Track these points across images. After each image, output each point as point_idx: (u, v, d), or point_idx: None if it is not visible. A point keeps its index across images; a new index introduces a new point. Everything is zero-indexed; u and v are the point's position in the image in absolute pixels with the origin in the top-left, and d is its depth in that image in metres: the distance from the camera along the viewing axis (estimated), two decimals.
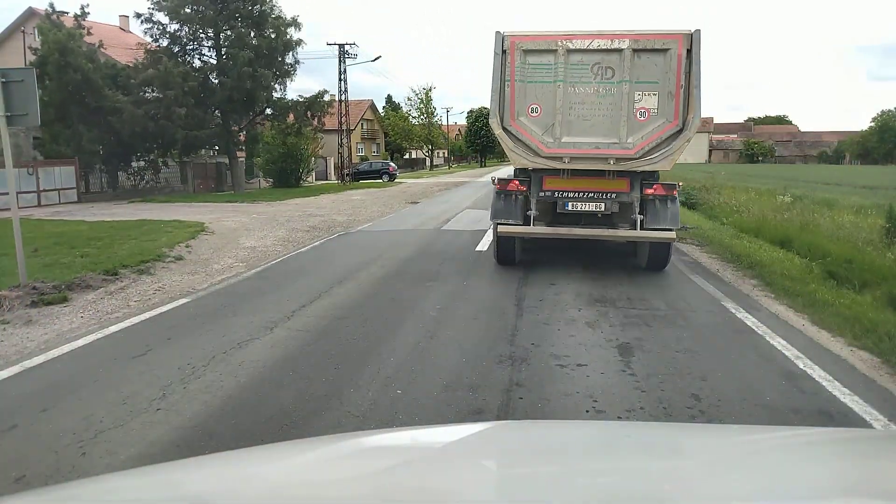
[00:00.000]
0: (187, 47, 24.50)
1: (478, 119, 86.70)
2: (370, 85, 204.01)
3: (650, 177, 8.02)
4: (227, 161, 30.42)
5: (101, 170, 24.90)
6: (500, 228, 8.37)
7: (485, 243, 10.71)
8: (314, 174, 39.61)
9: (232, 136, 25.05)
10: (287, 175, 30.93)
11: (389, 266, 8.73)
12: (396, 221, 15.04)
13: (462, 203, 20.47)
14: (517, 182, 8.14)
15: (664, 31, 7.58)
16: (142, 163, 25.44)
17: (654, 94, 7.54)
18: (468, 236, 11.79)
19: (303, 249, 10.41)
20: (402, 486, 1.13)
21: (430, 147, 73.54)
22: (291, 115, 26.06)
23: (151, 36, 24.06)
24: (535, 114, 7.75)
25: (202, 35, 24.33)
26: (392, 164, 45.96)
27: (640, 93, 7.55)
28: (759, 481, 1.12)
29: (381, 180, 39.54)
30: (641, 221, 7.82)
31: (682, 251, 10.21)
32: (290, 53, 25.25)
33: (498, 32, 7.73)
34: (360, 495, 1.09)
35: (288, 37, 24.79)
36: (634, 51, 7.47)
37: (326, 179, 42.29)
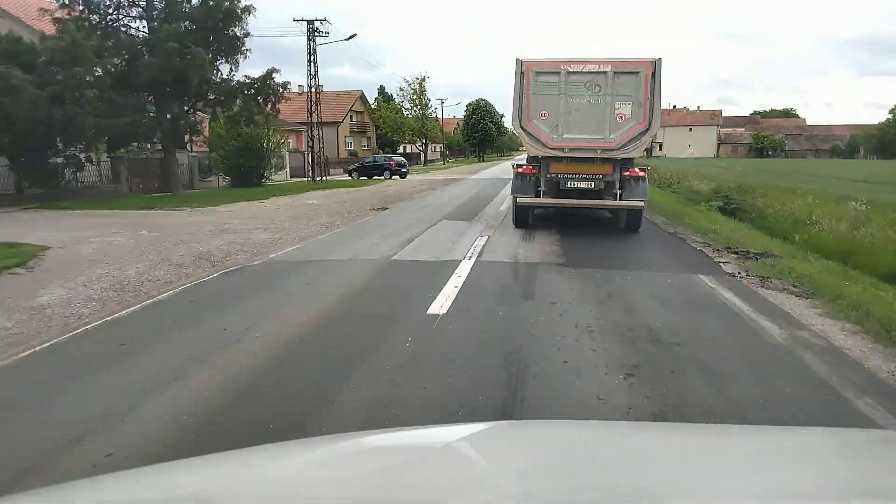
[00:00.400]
0: (108, 18, 19.92)
1: (475, 112, 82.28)
2: (367, 81, 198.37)
3: (627, 162, 10.87)
4: (176, 157, 26.08)
5: (8, 167, 20.43)
6: (519, 200, 11.28)
7: (445, 301, 6.21)
8: (288, 171, 34.99)
9: (163, 125, 20.27)
10: (246, 172, 26.49)
11: (245, 368, 4.34)
12: (337, 242, 10.65)
13: (441, 209, 16.10)
14: (531, 167, 11.17)
15: (636, 59, 10.33)
16: (60, 159, 20.95)
17: (629, 104, 10.30)
18: (427, 275, 7.43)
19: (121, 313, 5.97)
20: (402, 486, 1.10)
21: (423, 141, 68.81)
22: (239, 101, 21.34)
23: (60, 2, 19.45)
24: (544, 117, 10.61)
25: (126, 2, 19.78)
26: (396, 159, 40.07)
27: (619, 102, 10.33)
28: (759, 481, 1.12)
29: (382, 177, 34.94)
30: (620, 194, 10.79)
31: (787, 312, 5.82)
32: (239, 25, 20.58)
33: (518, 59, 10.50)
34: (361, 495, 1.07)
35: (231, 2, 20.04)
36: (615, 73, 10.28)
37: (305, 176, 37.75)
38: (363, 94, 65.52)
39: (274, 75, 20.73)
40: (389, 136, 64.77)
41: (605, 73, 10.35)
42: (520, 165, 11.43)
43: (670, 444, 1.40)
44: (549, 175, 11.02)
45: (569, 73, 10.43)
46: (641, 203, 10.90)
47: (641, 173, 10.98)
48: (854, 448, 1.44)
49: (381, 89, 74.62)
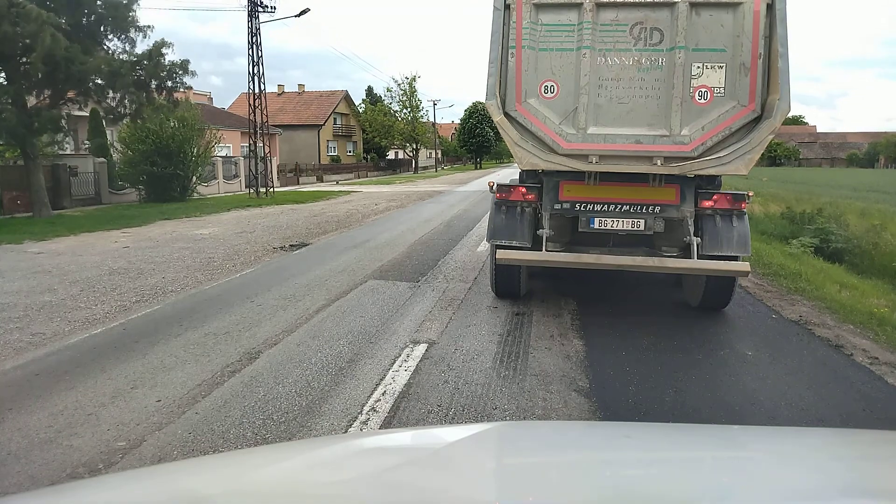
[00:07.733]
0: None
1: (471, 115, 76.62)
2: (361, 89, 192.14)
3: (709, 183, 5.86)
4: (72, 164, 20.35)
5: None
6: (500, 254, 5.89)
7: None
8: (244, 180, 28.74)
9: (24, 121, 14.22)
10: (165, 183, 20.63)
11: None
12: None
13: (389, 247, 10.30)
14: (524, 189, 6.06)
15: None
16: None
17: (721, 67, 5.29)
18: None
19: None
20: (402, 486, 1.09)
21: (414, 146, 63.00)
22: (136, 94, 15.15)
23: None
24: (550, 94, 5.52)
25: None
26: None
27: (701, 65, 5.28)
28: (759, 481, 1.10)
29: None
30: (698, 246, 5.59)
31: None
32: None
33: None
34: (361, 495, 1.06)
35: None
36: (692, 5, 5.20)
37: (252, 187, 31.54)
38: (348, 94, 59.77)
39: (164, 51, 14.81)
40: (377, 140, 59.07)
41: (672, 5, 5.17)
42: (504, 187, 6.10)
43: (671, 445, 1.38)
44: (558, 205, 5.88)
45: (599, 6, 5.27)
46: (743, 264, 5.48)
47: (738, 204, 5.71)
48: (854, 448, 1.41)
49: (370, 90, 68.83)
